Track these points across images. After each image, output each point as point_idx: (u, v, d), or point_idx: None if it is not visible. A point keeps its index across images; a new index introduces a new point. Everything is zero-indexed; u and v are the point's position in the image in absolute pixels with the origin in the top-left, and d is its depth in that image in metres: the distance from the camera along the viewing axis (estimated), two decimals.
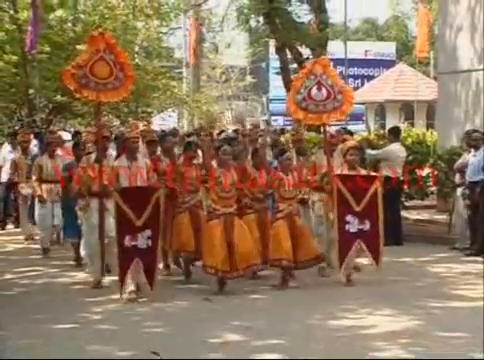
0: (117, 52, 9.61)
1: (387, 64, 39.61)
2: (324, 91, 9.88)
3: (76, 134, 15.48)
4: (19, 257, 12.08)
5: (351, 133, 13.25)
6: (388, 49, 43.83)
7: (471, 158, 11.80)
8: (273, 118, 40.96)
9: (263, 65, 45.12)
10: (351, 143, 10.35)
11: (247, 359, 6.84)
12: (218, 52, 41.54)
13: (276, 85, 36.02)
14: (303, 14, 24.28)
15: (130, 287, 8.98)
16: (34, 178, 12.17)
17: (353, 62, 37.01)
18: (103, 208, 9.50)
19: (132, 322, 8.13)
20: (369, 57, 42.05)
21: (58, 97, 19.31)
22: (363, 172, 10.07)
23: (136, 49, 22.00)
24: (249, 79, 45.73)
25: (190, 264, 10.10)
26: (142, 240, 8.97)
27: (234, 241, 9.19)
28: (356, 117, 33.64)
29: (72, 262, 11.19)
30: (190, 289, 9.60)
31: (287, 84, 25.81)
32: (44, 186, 12.09)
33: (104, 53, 9.43)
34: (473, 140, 11.90)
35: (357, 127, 27.41)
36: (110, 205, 9.37)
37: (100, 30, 10.26)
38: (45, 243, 12.11)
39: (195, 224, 9.89)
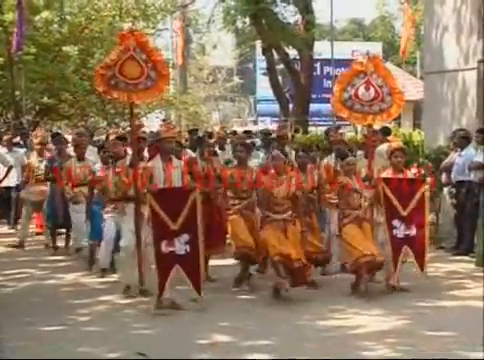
0: (149, 50, 9.10)
1: None
2: (372, 91, 9.45)
3: (56, 135, 15.34)
4: (7, 259, 12.02)
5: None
6: (375, 49, 43.77)
7: (457, 158, 11.84)
8: (260, 119, 40.99)
9: (250, 66, 45.16)
10: (396, 144, 9.90)
11: (235, 359, 6.85)
12: (205, 53, 41.53)
13: (263, 86, 36.02)
14: (289, 15, 24.42)
15: (166, 295, 8.44)
16: (65, 182, 11.57)
17: (340, 62, 36.90)
18: (139, 214, 8.99)
19: (120, 324, 8.11)
20: (356, 57, 42.09)
21: (45, 99, 19.27)
22: (409, 175, 9.67)
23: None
24: (236, 80, 45.78)
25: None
26: (179, 245, 8.39)
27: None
28: (344, 118, 33.71)
29: (66, 263, 10.97)
30: (178, 291, 9.56)
31: (274, 85, 25.92)
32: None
33: (134, 52, 8.95)
34: (459, 139, 11.93)
35: (345, 128, 27.41)
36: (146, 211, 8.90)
37: (131, 28, 9.75)
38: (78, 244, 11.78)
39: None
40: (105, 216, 9.98)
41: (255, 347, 7.18)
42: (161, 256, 8.36)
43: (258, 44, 28.86)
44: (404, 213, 9.15)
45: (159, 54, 9.48)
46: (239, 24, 24.16)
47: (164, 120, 18.11)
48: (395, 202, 9.16)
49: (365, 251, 8.89)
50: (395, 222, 9.15)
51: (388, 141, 11.68)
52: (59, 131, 18.85)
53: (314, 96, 27.77)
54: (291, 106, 25.51)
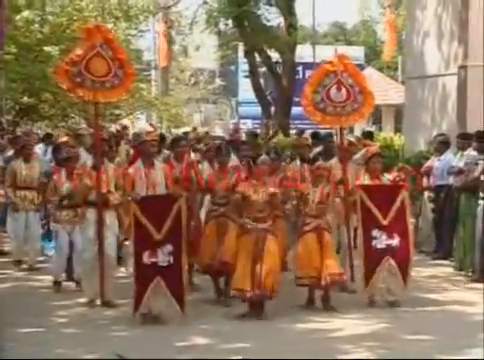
0: (115, 47, 8.71)
1: None
2: (344, 91, 9.16)
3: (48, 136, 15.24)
4: None
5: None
6: (356, 53, 43.98)
7: (436, 162, 11.89)
8: (242, 121, 40.93)
9: (232, 68, 45.16)
10: (373, 149, 9.39)
11: None
12: (187, 55, 41.48)
13: (245, 88, 35.98)
14: (272, 18, 24.41)
15: (143, 310, 8.02)
16: (7, 184, 11.08)
17: None
18: (102, 221, 8.57)
19: (98, 326, 8.07)
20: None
21: (25, 99, 19.16)
22: (384, 181, 9.12)
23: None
24: (218, 82, 45.74)
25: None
26: (162, 256, 7.95)
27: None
28: None
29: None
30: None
31: (256, 87, 25.94)
32: (18, 193, 11.07)
33: (101, 48, 8.51)
34: (439, 144, 11.99)
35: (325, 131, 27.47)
36: (108, 218, 8.64)
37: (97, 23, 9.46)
38: (17, 255, 11.38)
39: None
40: (55, 226, 9.64)
41: (234, 350, 7.17)
42: (142, 267, 7.97)
43: (240, 46, 28.88)
44: (385, 222, 8.74)
45: (125, 51, 9.11)
46: (222, 26, 24.17)
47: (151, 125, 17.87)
48: (374, 210, 8.76)
49: (311, 272, 8.48)
50: (374, 232, 8.73)
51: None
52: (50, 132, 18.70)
53: (296, 99, 27.75)
54: (273, 109, 25.53)
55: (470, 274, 10.25)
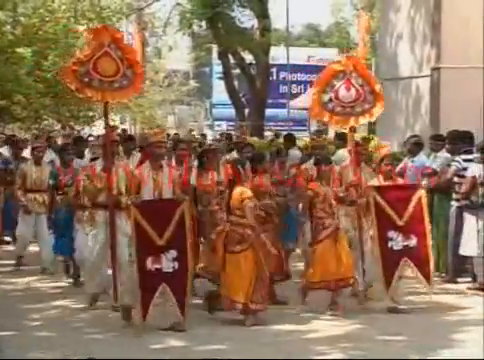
0: (124, 47, 8.52)
1: None
2: (353, 91, 8.93)
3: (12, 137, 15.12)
4: None
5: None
6: (330, 55, 44.23)
7: (409, 164, 11.94)
8: (216, 123, 41.01)
9: (206, 70, 45.18)
10: (385, 151, 9.26)
11: None
12: (161, 56, 41.41)
13: (219, 90, 36.06)
14: (246, 19, 24.48)
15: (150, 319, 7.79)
16: (17, 186, 11.02)
17: (296, 68, 37.30)
18: (113, 224, 8.25)
19: (73, 329, 8.03)
20: (312, 63, 42.40)
21: None
22: (401, 181, 9.14)
23: (78, 53, 21.78)
24: (192, 84, 45.72)
25: None
26: (166, 262, 7.77)
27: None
28: (299, 122, 33.90)
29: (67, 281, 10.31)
30: None
31: (230, 89, 25.96)
32: (28, 196, 10.99)
33: (109, 48, 8.33)
34: (412, 146, 12.04)
35: (300, 133, 27.57)
36: (119, 220, 8.30)
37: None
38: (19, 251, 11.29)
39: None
40: (78, 226, 9.38)
41: (209, 352, 7.16)
42: (146, 274, 7.72)
43: (214, 48, 28.90)
44: (400, 222, 8.58)
45: (134, 51, 8.88)
46: (195, 28, 24.17)
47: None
48: (389, 211, 8.58)
49: (326, 277, 8.45)
50: (390, 233, 8.56)
51: (345, 147, 11.44)
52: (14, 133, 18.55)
53: (270, 101, 27.89)
54: (247, 111, 25.57)
55: (443, 275, 10.33)
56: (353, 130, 9.45)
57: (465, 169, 10.01)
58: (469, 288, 9.82)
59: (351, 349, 7.22)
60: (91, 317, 8.50)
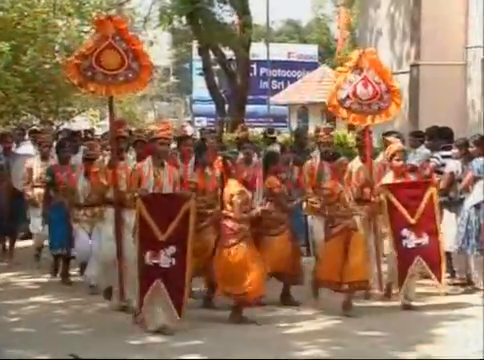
0: (129, 38, 8.20)
1: (309, 66, 39.95)
2: (370, 89, 8.78)
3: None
4: None
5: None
6: (310, 51, 44.27)
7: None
8: (196, 119, 40.91)
9: (186, 66, 45.06)
10: (396, 146, 8.98)
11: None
12: None
13: (199, 86, 35.93)
14: (226, 15, 24.42)
15: (146, 315, 7.63)
16: (25, 182, 10.92)
17: (276, 64, 37.23)
18: (120, 220, 8.13)
19: (51, 325, 7.99)
20: (292, 59, 42.40)
21: None
22: (412, 179, 8.97)
23: (57, 48, 21.59)
24: (172, 80, 45.61)
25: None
26: (165, 258, 7.55)
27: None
28: (279, 119, 33.89)
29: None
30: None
31: (210, 85, 25.91)
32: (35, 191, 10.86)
33: (113, 40, 8.03)
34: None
35: (281, 129, 27.57)
36: (128, 217, 8.12)
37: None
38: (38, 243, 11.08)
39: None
40: (75, 226, 9.43)
41: (188, 347, 7.15)
42: (144, 267, 7.59)
43: (195, 44, 28.83)
44: (413, 221, 8.46)
45: (140, 43, 8.57)
46: (175, 23, 24.08)
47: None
48: (402, 209, 8.47)
49: (333, 277, 8.28)
50: (404, 232, 8.46)
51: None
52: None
53: (250, 97, 27.85)
54: (227, 107, 25.54)
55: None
56: (367, 128, 9.17)
57: (444, 165, 10.04)
58: (448, 283, 9.86)
59: (330, 345, 7.23)
60: (70, 313, 8.46)
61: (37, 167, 10.96)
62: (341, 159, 8.65)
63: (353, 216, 8.50)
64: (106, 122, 28.64)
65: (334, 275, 8.31)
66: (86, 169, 9.53)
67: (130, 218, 8.04)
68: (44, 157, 11.05)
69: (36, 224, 10.95)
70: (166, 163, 8.22)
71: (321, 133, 10.27)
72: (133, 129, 14.90)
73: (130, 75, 8.12)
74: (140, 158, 8.60)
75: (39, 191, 10.75)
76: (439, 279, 8.60)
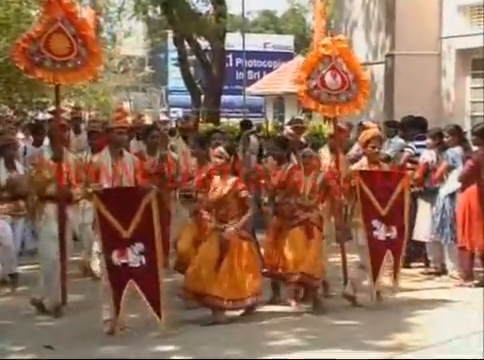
0: (78, 23, 7.76)
1: (285, 57, 40.03)
2: (339, 78, 8.42)
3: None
4: None
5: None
6: (286, 42, 44.32)
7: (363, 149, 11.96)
8: (172, 109, 40.77)
9: (162, 56, 44.86)
10: (372, 132, 8.58)
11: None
12: (116, 42, 41.01)
13: (175, 76, 35.87)
14: (201, 5, 24.31)
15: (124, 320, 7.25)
16: None
17: (252, 54, 37.23)
18: (64, 217, 7.75)
19: (23, 316, 7.92)
20: (268, 49, 42.42)
21: None
22: (385, 167, 8.60)
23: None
24: (148, 70, 45.34)
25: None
26: (133, 256, 7.10)
27: None
28: (255, 109, 33.89)
29: None
30: (85, 282, 9.39)
31: (186, 75, 25.80)
32: None
33: (62, 24, 7.61)
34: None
35: (256, 120, 27.56)
36: (71, 214, 7.90)
37: None
38: None
39: None
40: None
41: (164, 338, 7.10)
42: (113, 269, 7.13)
43: (170, 34, 28.68)
44: (383, 212, 8.14)
45: (89, 28, 8.10)
46: (150, 13, 23.93)
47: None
48: (373, 199, 8.13)
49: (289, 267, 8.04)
50: (374, 222, 8.12)
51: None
52: None
53: (226, 87, 27.80)
54: (203, 97, 25.46)
55: None
56: (335, 119, 8.94)
57: (418, 155, 10.08)
58: (422, 273, 9.92)
59: (305, 334, 7.24)
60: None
61: None
62: (305, 150, 8.57)
63: (315, 208, 8.29)
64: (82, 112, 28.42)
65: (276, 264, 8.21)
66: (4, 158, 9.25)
67: (73, 215, 7.86)
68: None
69: None
70: (126, 153, 7.90)
71: (290, 131, 10.30)
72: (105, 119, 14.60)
73: (79, 62, 7.76)
74: (95, 150, 8.31)
75: None
76: (395, 276, 8.30)
